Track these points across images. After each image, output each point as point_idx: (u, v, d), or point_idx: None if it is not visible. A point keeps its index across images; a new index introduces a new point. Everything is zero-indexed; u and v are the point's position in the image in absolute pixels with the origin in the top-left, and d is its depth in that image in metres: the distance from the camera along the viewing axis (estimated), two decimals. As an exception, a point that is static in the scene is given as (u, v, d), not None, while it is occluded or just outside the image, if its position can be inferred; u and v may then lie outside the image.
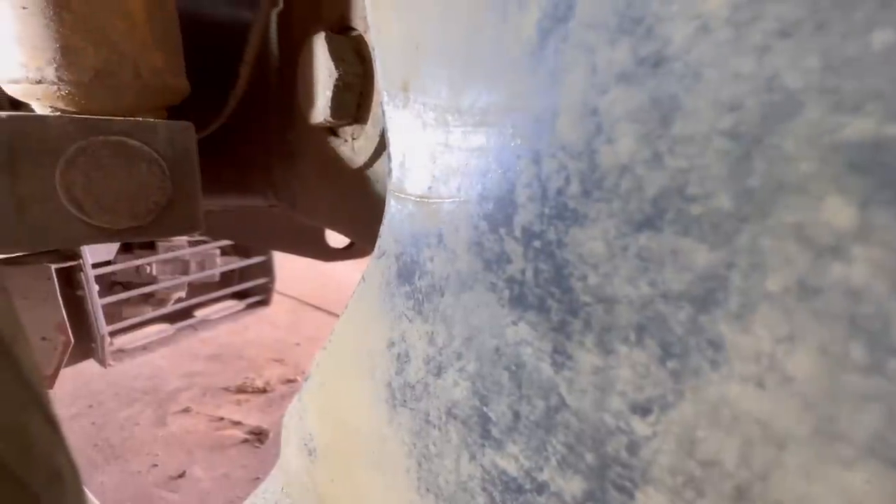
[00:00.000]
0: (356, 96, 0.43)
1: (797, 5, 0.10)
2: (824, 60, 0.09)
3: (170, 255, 2.17)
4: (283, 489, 0.36)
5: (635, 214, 0.13)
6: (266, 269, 2.57)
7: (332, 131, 0.50)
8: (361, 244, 0.60)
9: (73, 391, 1.92)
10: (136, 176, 0.42)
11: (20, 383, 0.11)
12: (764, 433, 0.11)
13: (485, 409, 0.18)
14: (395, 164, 0.21)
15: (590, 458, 0.15)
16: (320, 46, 0.42)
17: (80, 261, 1.72)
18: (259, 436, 1.91)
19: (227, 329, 2.51)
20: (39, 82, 0.39)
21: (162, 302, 2.28)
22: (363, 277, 0.24)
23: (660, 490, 0.13)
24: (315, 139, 0.53)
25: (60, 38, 0.38)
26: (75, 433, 1.73)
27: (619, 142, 0.13)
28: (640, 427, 0.13)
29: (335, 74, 0.42)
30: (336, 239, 1.02)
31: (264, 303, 2.66)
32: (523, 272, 0.16)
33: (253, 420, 2.00)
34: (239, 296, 2.58)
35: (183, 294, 2.33)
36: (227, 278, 2.50)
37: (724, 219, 0.11)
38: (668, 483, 0.13)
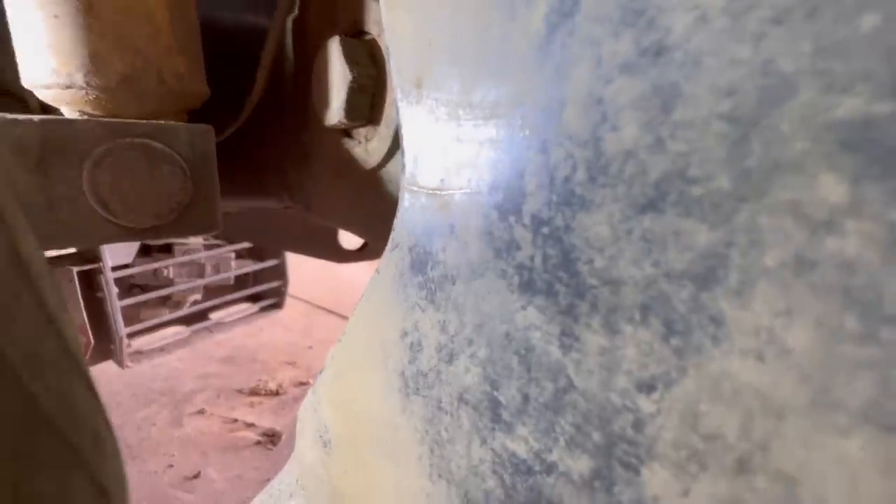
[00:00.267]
0: (370, 98, 0.44)
1: None
2: (816, 44, 0.10)
3: (186, 258, 2.22)
4: (297, 481, 0.37)
5: (639, 198, 0.13)
6: (279, 273, 2.60)
7: (346, 133, 0.51)
8: (375, 244, 0.61)
9: (93, 391, 1.96)
10: (158, 177, 0.44)
11: (66, 353, 0.12)
12: (763, 405, 0.11)
13: (495, 393, 0.18)
14: (408, 158, 0.22)
15: (597, 436, 0.15)
16: (335, 50, 0.43)
17: (101, 263, 1.77)
18: (272, 438, 1.93)
19: (241, 332, 2.54)
20: (69, 87, 0.41)
21: (178, 304, 2.32)
22: (377, 270, 0.25)
23: (664, 465, 0.13)
24: (329, 141, 0.54)
25: (89, 44, 0.40)
26: (94, 432, 1.76)
27: (624, 129, 0.13)
28: (645, 404, 0.14)
29: (349, 77, 0.43)
30: (349, 241, 1.04)
31: (277, 306, 2.69)
32: (532, 258, 0.17)
33: (266, 422, 2.02)
34: (253, 299, 2.61)
35: (199, 297, 2.37)
36: (241, 281, 2.54)
37: (724, 199, 0.12)
38: (672, 458, 0.13)
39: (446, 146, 0.20)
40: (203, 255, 2.25)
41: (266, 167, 0.69)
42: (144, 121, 0.43)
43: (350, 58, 0.43)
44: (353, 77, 0.43)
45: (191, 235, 0.50)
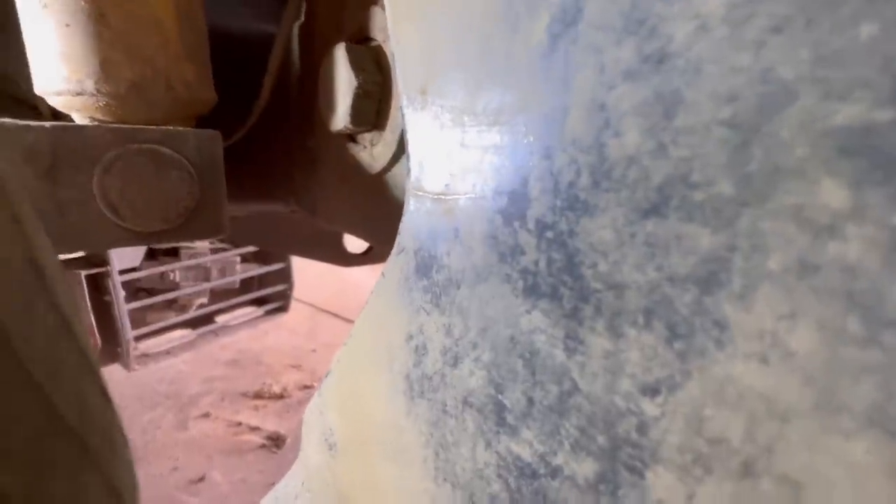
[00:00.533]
0: (375, 104, 0.45)
1: (788, 3, 0.10)
2: (815, 53, 0.10)
3: (192, 261, 2.23)
4: (303, 483, 0.37)
5: (642, 203, 0.13)
6: (284, 276, 2.61)
7: (352, 138, 0.51)
8: (380, 248, 0.61)
9: (99, 394, 1.97)
10: (167, 182, 0.44)
11: (80, 356, 0.12)
12: (768, 408, 0.11)
13: (500, 396, 0.18)
14: (413, 163, 0.22)
15: (601, 440, 0.15)
16: (341, 56, 0.44)
17: (108, 267, 1.78)
18: (276, 441, 1.93)
19: (247, 335, 2.55)
20: (80, 94, 0.42)
21: (184, 308, 2.33)
22: (383, 273, 0.25)
23: (669, 468, 0.13)
24: (335, 146, 0.55)
25: (99, 52, 0.41)
26: (101, 435, 1.77)
27: (626, 135, 0.14)
28: (650, 408, 0.14)
29: (355, 83, 0.43)
30: (354, 244, 1.04)
31: (282, 309, 2.70)
32: (536, 263, 0.17)
33: (270, 425, 2.02)
34: (258, 302, 2.62)
35: (205, 300, 2.38)
36: (246, 285, 2.55)
37: (726, 204, 0.12)
38: (677, 461, 0.13)
39: (451, 152, 0.20)
40: (209, 258, 2.27)
41: (272, 172, 0.70)
42: (153, 127, 0.44)
43: (356, 64, 0.43)
44: (359, 83, 0.43)
45: (198, 239, 0.50)
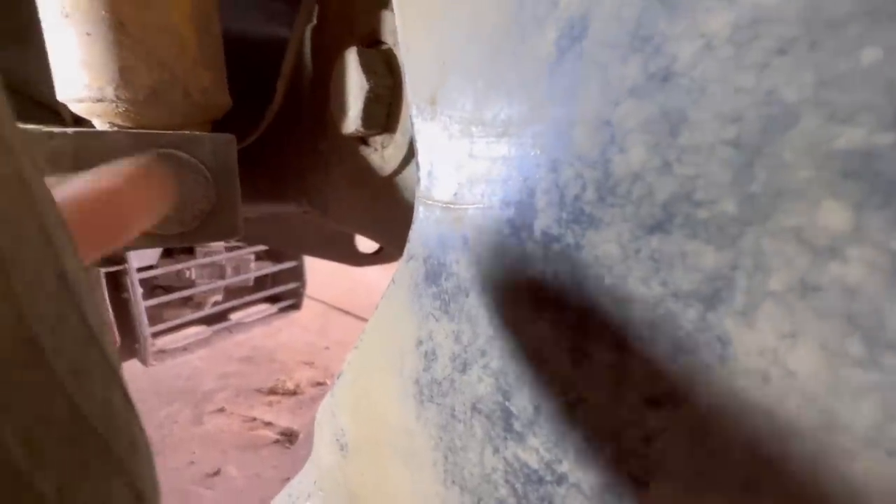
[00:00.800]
0: (386, 107, 0.45)
1: (793, 25, 0.10)
2: (818, 76, 0.10)
3: (207, 259, 2.27)
4: (315, 483, 0.38)
5: (647, 219, 0.14)
6: (297, 274, 2.64)
7: (363, 141, 0.52)
8: (390, 249, 0.62)
9: (119, 389, 2.02)
10: (183, 185, 0.45)
11: (106, 363, 0.13)
12: (769, 426, 0.11)
13: (507, 403, 0.19)
14: (423, 172, 0.23)
15: (607, 450, 0.15)
16: (352, 60, 0.44)
17: (126, 265, 1.83)
18: (290, 437, 1.96)
19: (260, 332, 2.59)
20: (100, 100, 0.43)
21: (200, 305, 2.38)
22: (393, 279, 0.25)
23: (673, 480, 0.14)
24: (346, 148, 0.55)
25: (119, 60, 0.42)
26: (120, 429, 1.82)
27: (631, 151, 0.14)
28: (654, 420, 0.14)
29: (366, 86, 0.44)
30: (365, 244, 1.05)
31: (295, 307, 2.73)
32: (543, 273, 0.17)
33: (284, 421, 2.05)
34: (271, 300, 2.66)
35: (219, 298, 2.42)
36: (260, 283, 2.58)
37: (729, 222, 0.12)
38: (680, 474, 0.13)
39: (460, 162, 0.21)
40: (224, 256, 2.31)
41: (285, 174, 0.71)
42: (171, 132, 0.45)
43: (367, 67, 0.44)
44: (370, 87, 0.44)
45: (213, 241, 0.51)
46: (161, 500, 0.15)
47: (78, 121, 0.49)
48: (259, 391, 2.24)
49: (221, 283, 2.33)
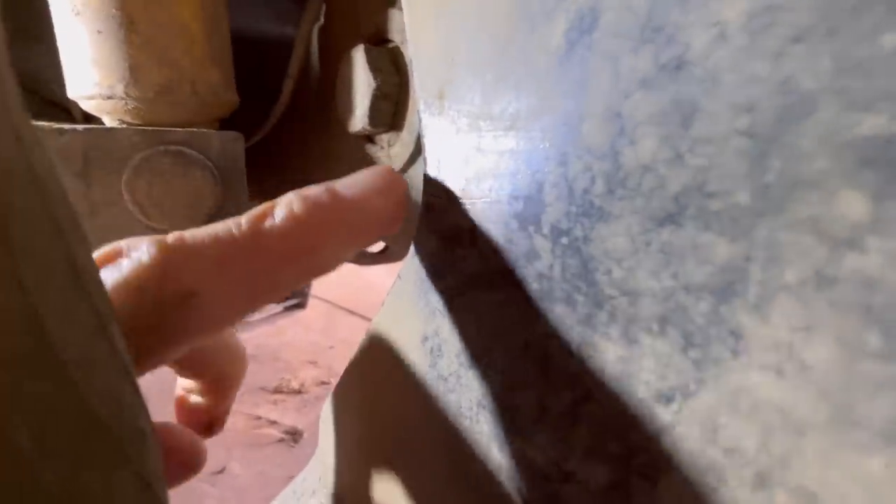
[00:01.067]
0: (393, 105, 0.45)
1: (810, 12, 0.10)
2: (836, 63, 0.10)
3: (214, 259, 2.28)
4: (320, 479, 0.38)
5: (658, 211, 0.13)
6: (303, 274, 2.63)
7: (370, 139, 0.52)
8: (396, 247, 0.62)
9: (125, 386, 2.04)
10: (191, 182, 0.46)
11: (115, 355, 0.13)
12: (784, 420, 0.11)
13: (513, 400, 0.19)
14: (430, 167, 0.22)
15: (614, 447, 0.15)
16: (359, 58, 0.45)
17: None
18: (294, 436, 1.97)
19: (265, 330, 2.60)
20: (110, 98, 0.43)
21: (206, 304, 2.38)
22: (399, 275, 0.25)
23: (683, 477, 0.13)
24: (353, 146, 0.55)
25: (129, 57, 0.42)
26: (126, 426, 1.84)
27: (642, 143, 0.14)
28: (663, 415, 0.14)
29: (373, 85, 0.44)
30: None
31: (300, 306, 2.73)
32: (551, 268, 0.17)
33: (288, 420, 2.06)
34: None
35: (225, 296, 2.43)
36: (266, 282, 2.58)
37: (743, 213, 0.12)
38: (690, 470, 0.13)
39: (467, 156, 0.20)
40: (230, 255, 2.32)
41: (291, 172, 0.71)
42: (179, 129, 0.45)
43: (374, 66, 0.44)
44: (377, 85, 0.44)
45: (220, 239, 0.51)
46: (168, 493, 0.15)
47: (88, 118, 0.50)
48: (264, 389, 2.24)
49: (228, 281, 2.33)
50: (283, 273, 0.19)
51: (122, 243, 0.18)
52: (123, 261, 0.17)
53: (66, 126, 0.41)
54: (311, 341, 2.65)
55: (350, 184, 0.20)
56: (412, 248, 0.24)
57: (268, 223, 0.18)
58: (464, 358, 0.21)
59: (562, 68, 0.16)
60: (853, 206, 0.10)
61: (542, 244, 0.17)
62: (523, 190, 0.18)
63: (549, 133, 0.16)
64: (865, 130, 0.10)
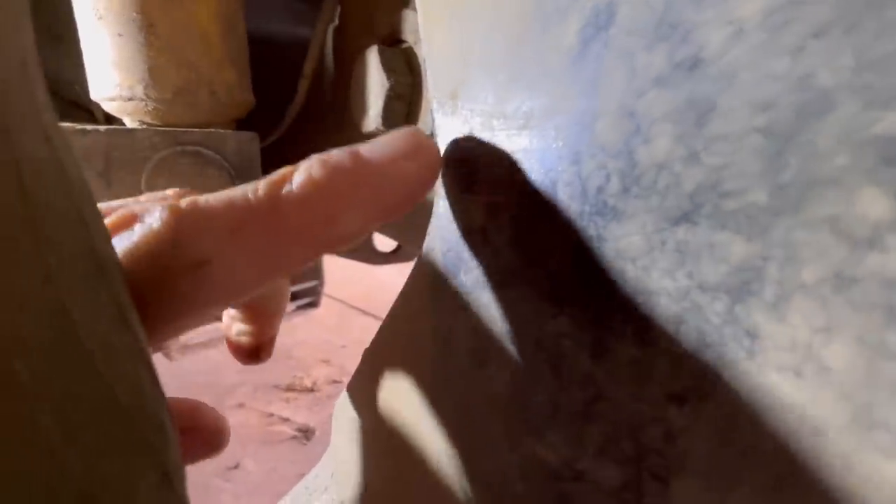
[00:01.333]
0: (406, 105, 0.45)
1: (830, 8, 0.10)
2: (857, 59, 0.10)
3: (229, 257, 2.32)
4: (332, 475, 0.38)
5: (673, 210, 0.13)
6: (315, 273, 2.67)
7: (383, 139, 0.52)
8: (408, 246, 0.62)
9: (143, 382, 2.08)
10: (208, 182, 0.46)
11: (136, 345, 0.13)
12: (801, 422, 0.11)
13: (525, 399, 0.19)
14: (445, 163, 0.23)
15: (627, 447, 0.15)
16: (373, 59, 0.45)
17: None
18: (306, 433, 1.99)
19: (279, 329, 2.63)
20: (130, 99, 0.44)
21: (221, 301, 2.42)
22: (411, 273, 0.25)
23: (696, 478, 0.13)
24: (366, 147, 0.55)
25: (149, 59, 0.43)
26: (144, 421, 1.88)
27: (657, 141, 0.14)
28: (677, 416, 0.14)
29: (387, 85, 0.44)
30: (383, 243, 1.06)
31: (313, 305, 2.76)
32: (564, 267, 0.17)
33: (301, 418, 2.08)
34: (290, 297, 2.70)
35: (240, 295, 2.47)
36: (280, 281, 2.62)
37: (760, 212, 0.12)
38: (704, 472, 0.13)
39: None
40: (245, 254, 2.35)
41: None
42: (196, 129, 0.46)
43: (387, 66, 0.44)
44: (391, 85, 0.44)
45: (236, 237, 0.52)
46: (186, 482, 0.15)
47: (109, 119, 0.51)
48: (277, 387, 2.27)
49: (242, 280, 2.37)
50: (300, 243, 0.17)
51: (137, 207, 0.17)
52: (136, 226, 0.16)
53: (89, 127, 0.42)
54: (324, 340, 2.67)
55: (377, 147, 0.19)
56: (424, 247, 0.24)
57: (285, 189, 0.17)
58: (476, 356, 0.21)
59: (575, 66, 0.16)
60: (873, 204, 0.10)
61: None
62: (536, 189, 0.18)
63: (563, 132, 0.16)
64: (886, 128, 0.09)
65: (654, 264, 0.14)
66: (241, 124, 0.54)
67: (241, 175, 0.49)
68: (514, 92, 0.18)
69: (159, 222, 0.16)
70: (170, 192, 0.25)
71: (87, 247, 0.12)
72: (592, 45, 0.15)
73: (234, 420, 2.04)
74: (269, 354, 0.33)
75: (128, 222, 0.17)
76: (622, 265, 0.15)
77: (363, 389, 0.32)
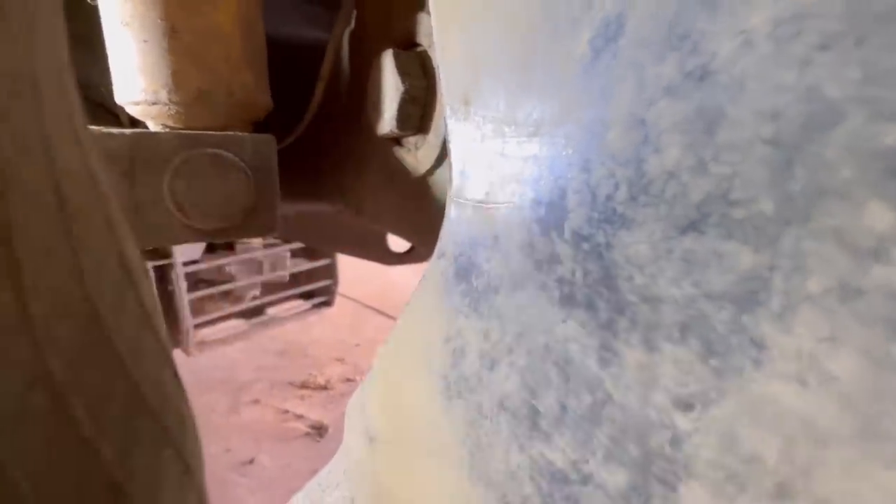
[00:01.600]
0: (421, 108, 0.46)
1: (838, 20, 0.10)
2: (864, 72, 0.10)
3: (247, 255, 2.36)
4: (344, 473, 0.39)
5: (680, 219, 0.13)
6: (330, 272, 2.70)
7: (398, 141, 0.53)
8: (421, 247, 0.63)
9: (162, 377, 2.13)
10: (226, 183, 0.48)
11: (159, 344, 0.14)
12: (806, 431, 0.11)
13: (534, 402, 0.19)
14: (455, 172, 0.23)
15: (634, 451, 0.15)
16: (388, 63, 0.45)
17: (172, 259, 1.92)
18: (320, 430, 2.01)
19: (294, 327, 2.67)
20: (154, 103, 0.46)
21: (239, 299, 2.47)
22: (424, 276, 0.26)
23: (702, 484, 0.13)
24: (381, 149, 0.56)
25: (171, 65, 0.45)
26: (163, 414, 1.92)
27: (666, 150, 0.14)
28: (683, 422, 0.14)
29: (402, 88, 0.44)
30: (397, 244, 1.07)
31: (328, 304, 2.79)
32: (573, 273, 0.17)
33: (315, 415, 2.10)
34: (305, 296, 2.73)
35: (257, 293, 2.51)
36: (295, 279, 2.66)
37: (767, 222, 0.12)
38: (710, 477, 0.13)
39: (492, 161, 0.21)
40: (262, 253, 2.39)
41: (322, 173, 0.73)
42: (216, 132, 0.47)
43: (402, 70, 0.45)
44: (406, 88, 0.44)
45: (252, 237, 0.54)
46: (205, 475, 0.16)
47: (133, 122, 0.53)
48: (292, 384, 2.30)
49: (259, 278, 2.41)
50: None
51: None
52: None
53: (115, 130, 0.43)
54: (338, 339, 2.70)
55: None
56: (436, 251, 0.25)
57: None
58: (486, 359, 0.21)
59: (586, 76, 0.16)
60: (880, 217, 0.10)
61: (563, 249, 0.17)
62: (546, 196, 0.18)
63: (573, 139, 0.17)
64: (893, 141, 0.09)
65: (661, 272, 0.14)
66: (259, 126, 0.55)
67: (258, 176, 0.50)
68: (524, 99, 0.18)
69: None
70: None
71: (114, 248, 0.13)
72: (603, 55, 0.15)
73: (250, 416, 2.07)
74: None
75: None
76: (630, 272, 0.15)
77: (376, 390, 0.33)
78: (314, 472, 0.43)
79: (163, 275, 1.97)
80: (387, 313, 3.00)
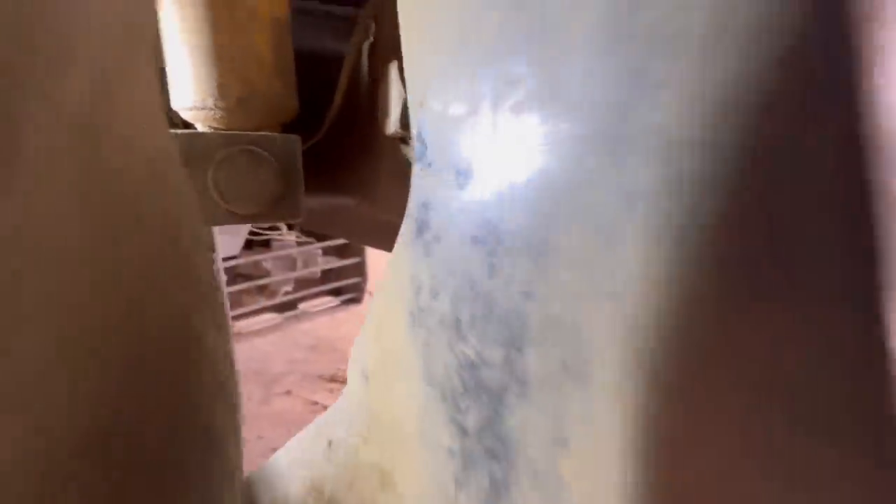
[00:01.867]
0: (418, 111, 0.54)
1: None
2: None
3: (282, 252, 2.52)
4: (344, 409, 0.47)
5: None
6: (359, 270, 2.82)
7: (403, 140, 0.61)
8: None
9: (203, 364, 2.29)
10: (259, 175, 0.57)
11: (228, 348, 0.19)
12: None
13: (457, 315, 0.26)
14: (418, 147, 0.31)
15: (504, 333, 0.22)
16: (394, 72, 0.54)
17: (214, 254, 2.08)
18: (345, 421, 2.11)
19: (324, 322, 2.80)
20: (203, 109, 0.56)
21: (273, 294, 2.63)
22: (400, 232, 0.34)
23: (537, 350, 0.20)
24: (391, 147, 0.65)
25: (217, 78, 0.55)
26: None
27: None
28: (530, 307, 0.21)
29: (403, 94, 0.53)
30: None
31: (357, 300, 2.91)
32: (488, 222, 0.25)
33: (341, 406, 2.20)
34: (335, 292, 2.86)
35: (290, 288, 2.67)
36: (326, 276, 2.80)
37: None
38: (547, 339, 0.20)
39: (436, 141, 0.29)
40: (295, 250, 2.55)
41: (342, 170, 0.82)
42: (251, 132, 0.57)
43: (404, 78, 0.53)
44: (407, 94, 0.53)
45: (281, 221, 0.63)
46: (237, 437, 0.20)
47: (185, 124, 0.64)
48: (321, 378, 2.41)
49: (292, 274, 2.56)
50: None
51: None
52: None
53: (176, 131, 0.54)
54: (365, 335, 2.79)
55: None
56: (406, 212, 0.32)
57: None
58: (433, 291, 0.29)
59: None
60: None
61: (484, 206, 0.25)
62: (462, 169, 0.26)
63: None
64: None
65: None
66: (287, 128, 0.65)
67: (285, 170, 0.59)
68: (456, 106, 0.26)
69: None
70: None
71: (206, 268, 0.18)
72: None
73: (281, 406, 2.19)
74: None
75: None
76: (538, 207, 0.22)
77: (369, 333, 0.41)
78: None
79: (206, 269, 2.13)
80: (412, 312, 3.06)
